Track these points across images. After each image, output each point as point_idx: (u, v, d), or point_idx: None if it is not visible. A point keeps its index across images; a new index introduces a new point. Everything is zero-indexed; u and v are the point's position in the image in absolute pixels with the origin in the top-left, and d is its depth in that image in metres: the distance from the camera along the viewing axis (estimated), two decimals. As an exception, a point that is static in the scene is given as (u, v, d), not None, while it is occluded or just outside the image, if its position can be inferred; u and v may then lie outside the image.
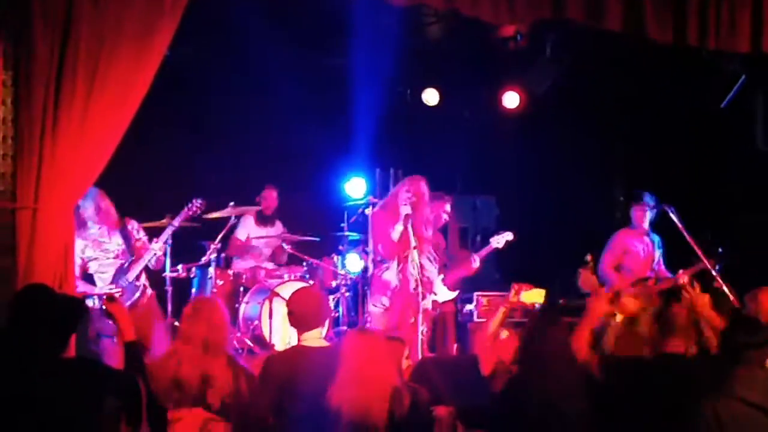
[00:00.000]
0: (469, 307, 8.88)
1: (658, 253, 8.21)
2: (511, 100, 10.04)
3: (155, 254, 6.87)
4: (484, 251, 8.23)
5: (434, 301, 7.61)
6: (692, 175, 9.34)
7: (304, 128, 9.32)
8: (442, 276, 7.75)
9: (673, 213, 7.56)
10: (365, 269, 8.11)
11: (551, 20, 6.81)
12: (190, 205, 7.14)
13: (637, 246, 8.11)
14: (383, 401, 4.11)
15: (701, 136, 9.27)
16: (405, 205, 7.14)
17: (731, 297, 6.68)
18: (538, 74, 9.76)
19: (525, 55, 9.49)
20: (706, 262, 7.23)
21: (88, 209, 6.81)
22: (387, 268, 7.25)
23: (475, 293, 8.62)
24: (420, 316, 6.99)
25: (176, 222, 7.05)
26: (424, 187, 7.39)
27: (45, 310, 3.95)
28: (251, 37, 8.33)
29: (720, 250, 7.46)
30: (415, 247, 7.05)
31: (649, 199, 8.10)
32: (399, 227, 7.12)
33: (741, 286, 6.75)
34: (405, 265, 7.14)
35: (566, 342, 4.57)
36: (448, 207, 8.07)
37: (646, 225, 8.12)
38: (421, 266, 7.11)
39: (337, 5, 7.85)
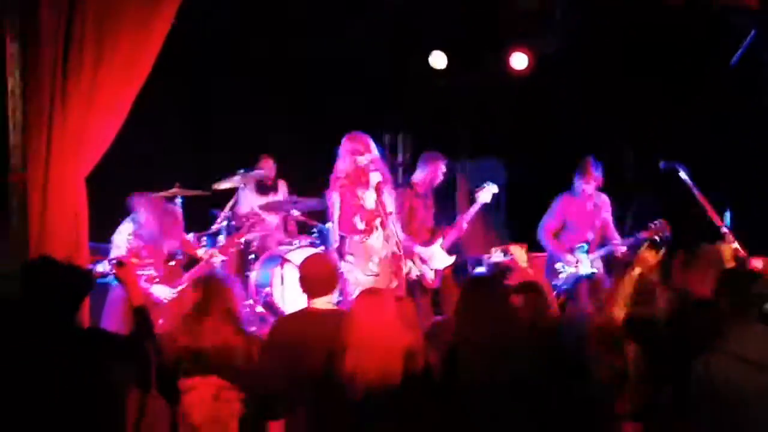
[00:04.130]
0: (480, 269, 8.85)
1: (604, 216, 8.19)
2: (519, 61, 9.96)
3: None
4: (472, 210, 7.99)
5: (435, 270, 7.59)
6: (702, 134, 9.28)
7: (311, 92, 9.29)
8: (441, 240, 7.71)
9: (683, 172, 7.51)
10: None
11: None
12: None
13: (578, 214, 8.13)
14: (397, 362, 4.09)
15: (710, 94, 9.19)
16: (373, 171, 6.99)
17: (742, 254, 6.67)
18: (548, 36, 9.67)
19: (534, 16, 9.40)
20: (717, 220, 7.22)
21: None
22: (368, 236, 7.11)
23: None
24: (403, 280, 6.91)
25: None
26: (371, 142, 7.26)
27: (53, 282, 4.01)
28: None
29: (727, 211, 7.42)
30: (390, 213, 6.94)
31: (595, 168, 8.02)
32: (371, 195, 6.99)
33: (751, 244, 6.79)
34: (386, 231, 6.99)
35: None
36: (443, 167, 7.96)
37: (589, 191, 8.09)
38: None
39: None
